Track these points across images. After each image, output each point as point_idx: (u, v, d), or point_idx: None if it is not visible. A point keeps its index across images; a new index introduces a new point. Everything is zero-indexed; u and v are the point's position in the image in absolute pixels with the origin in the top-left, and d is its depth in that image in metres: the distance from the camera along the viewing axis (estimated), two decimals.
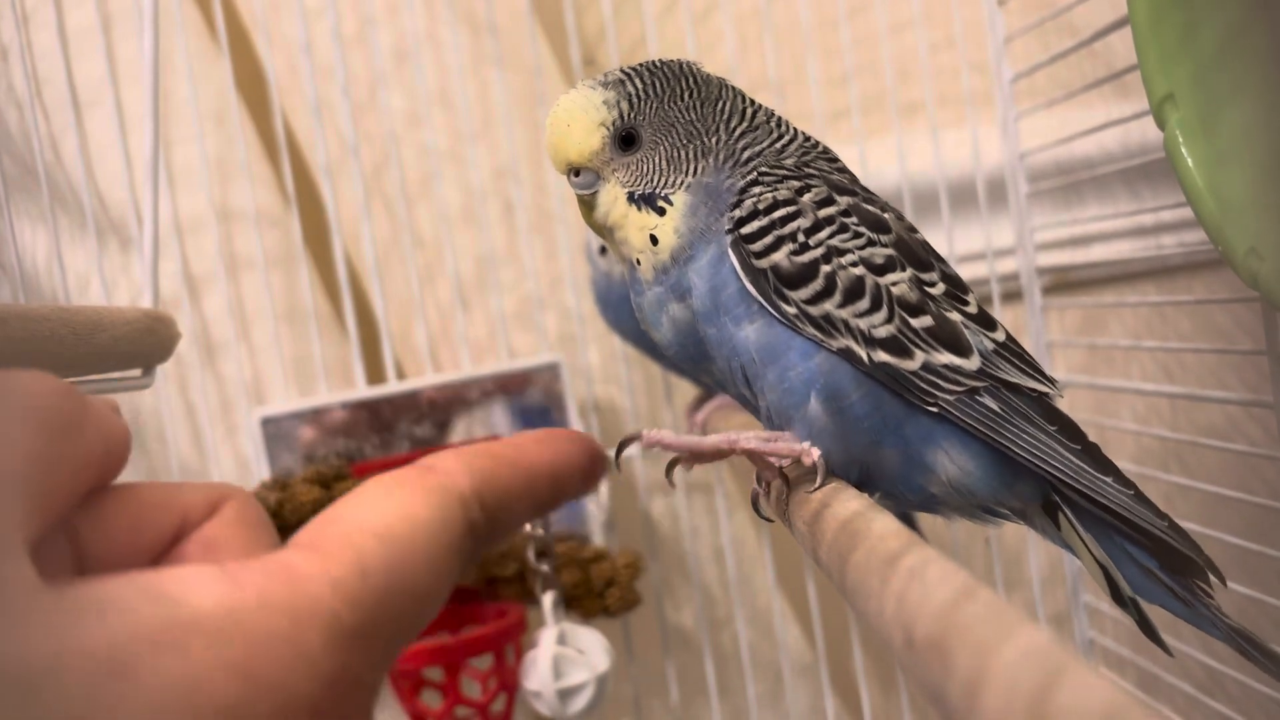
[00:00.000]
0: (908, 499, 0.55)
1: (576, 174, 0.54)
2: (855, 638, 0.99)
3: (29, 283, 0.93)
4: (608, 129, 0.53)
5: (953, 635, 0.34)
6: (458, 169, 1.02)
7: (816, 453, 0.51)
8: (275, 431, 0.93)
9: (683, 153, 0.54)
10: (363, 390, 0.96)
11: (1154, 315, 1.08)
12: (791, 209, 0.52)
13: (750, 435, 0.53)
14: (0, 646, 0.19)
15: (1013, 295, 1.01)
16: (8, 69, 0.93)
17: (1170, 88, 0.63)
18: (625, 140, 0.54)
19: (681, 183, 0.54)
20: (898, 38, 1.03)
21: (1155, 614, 0.59)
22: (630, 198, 0.54)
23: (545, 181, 1.01)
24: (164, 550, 0.27)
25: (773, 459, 0.53)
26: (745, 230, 0.52)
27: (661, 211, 0.53)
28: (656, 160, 0.54)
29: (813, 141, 0.57)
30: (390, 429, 0.95)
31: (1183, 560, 0.55)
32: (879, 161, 0.99)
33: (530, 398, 0.97)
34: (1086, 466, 0.52)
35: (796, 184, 0.53)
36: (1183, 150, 0.62)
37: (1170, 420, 1.05)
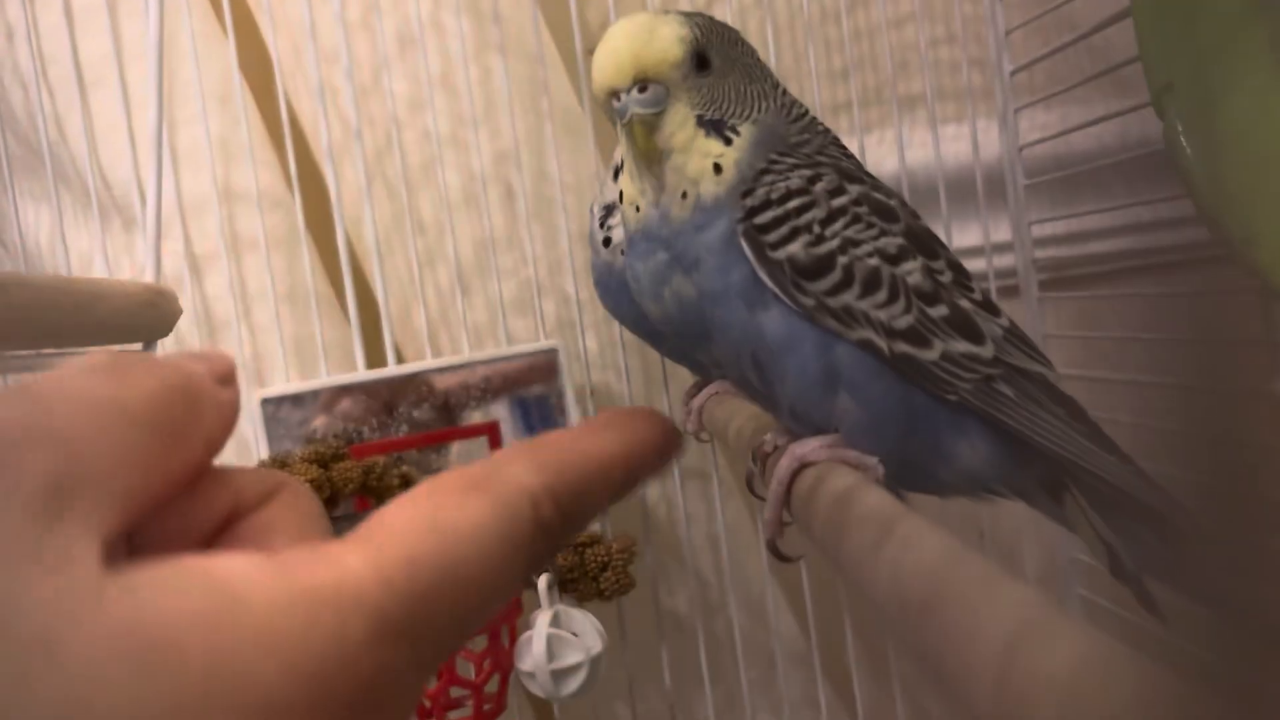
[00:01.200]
0: (913, 481, 0.55)
1: (642, 90, 0.51)
2: (848, 625, 0.99)
3: (31, 260, 0.94)
4: (687, 44, 0.51)
5: (944, 596, 0.34)
6: (459, 154, 1.03)
7: (881, 468, 0.51)
8: (274, 412, 0.94)
9: (748, 90, 0.53)
10: (362, 373, 0.96)
11: (1149, 309, 1.09)
12: (805, 199, 0.51)
13: (814, 447, 0.51)
14: (59, 629, 0.19)
15: (1009, 290, 1.01)
16: (13, 48, 0.94)
17: (1170, 77, 0.63)
18: (700, 61, 0.52)
19: (748, 116, 0.52)
20: (898, 31, 1.03)
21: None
22: (700, 120, 0.51)
23: (546, 168, 1.02)
24: (215, 531, 0.26)
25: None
26: (758, 220, 0.51)
27: (728, 141, 0.52)
28: (726, 89, 0.52)
29: (824, 127, 0.57)
30: (389, 412, 0.95)
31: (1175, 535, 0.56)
32: (878, 154, 1.00)
33: (528, 383, 0.97)
34: (1095, 447, 0.53)
35: (808, 172, 0.52)
36: (1182, 140, 0.63)
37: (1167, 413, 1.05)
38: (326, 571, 0.22)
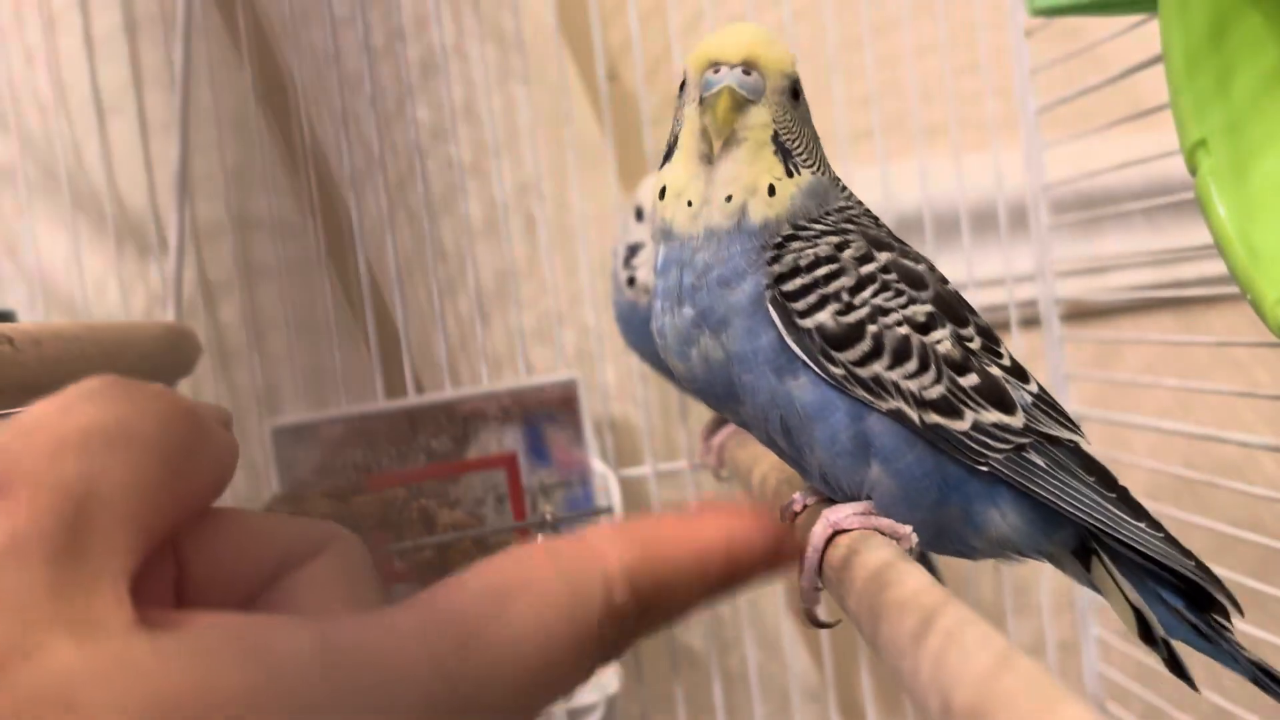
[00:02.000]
0: (944, 547, 0.55)
1: (747, 73, 0.50)
2: (863, 662, 0.99)
3: (47, 286, 0.93)
4: (794, 67, 0.52)
5: (993, 705, 0.34)
6: (481, 183, 1.02)
7: (915, 538, 0.50)
8: (287, 442, 0.93)
9: (814, 146, 0.53)
10: (381, 402, 0.96)
11: (1171, 347, 1.08)
12: (834, 266, 0.51)
13: (847, 514, 0.51)
14: (88, 693, 0.18)
15: (1030, 321, 1.01)
16: (33, 73, 0.93)
17: (1203, 133, 0.62)
18: (795, 91, 0.52)
19: (810, 165, 0.53)
20: (922, 60, 1.02)
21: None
22: (775, 136, 0.51)
23: (568, 199, 1.01)
24: (265, 582, 0.25)
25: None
26: (786, 288, 0.50)
27: (790, 173, 0.52)
28: (803, 130, 0.53)
29: (856, 200, 0.57)
30: (407, 442, 0.95)
31: (1206, 598, 0.56)
32: (900, 184, 0.99)
33: (547, 414, 0.97)
34: (1124, 515, 0.53)
35: (835, 239, 0.52)
36: (1214, 198, 0.62)
37: (1186, 452, 1.05)
38: (375, 644, 0.22)
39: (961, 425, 0.51)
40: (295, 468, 0.93)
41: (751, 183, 0.51)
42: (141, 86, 0.94)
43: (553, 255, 1.01)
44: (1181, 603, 0.56)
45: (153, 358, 0.66)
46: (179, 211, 0.82)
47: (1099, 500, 0.52)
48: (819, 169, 0.53)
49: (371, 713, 0.21)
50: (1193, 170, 0.63)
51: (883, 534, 0.50)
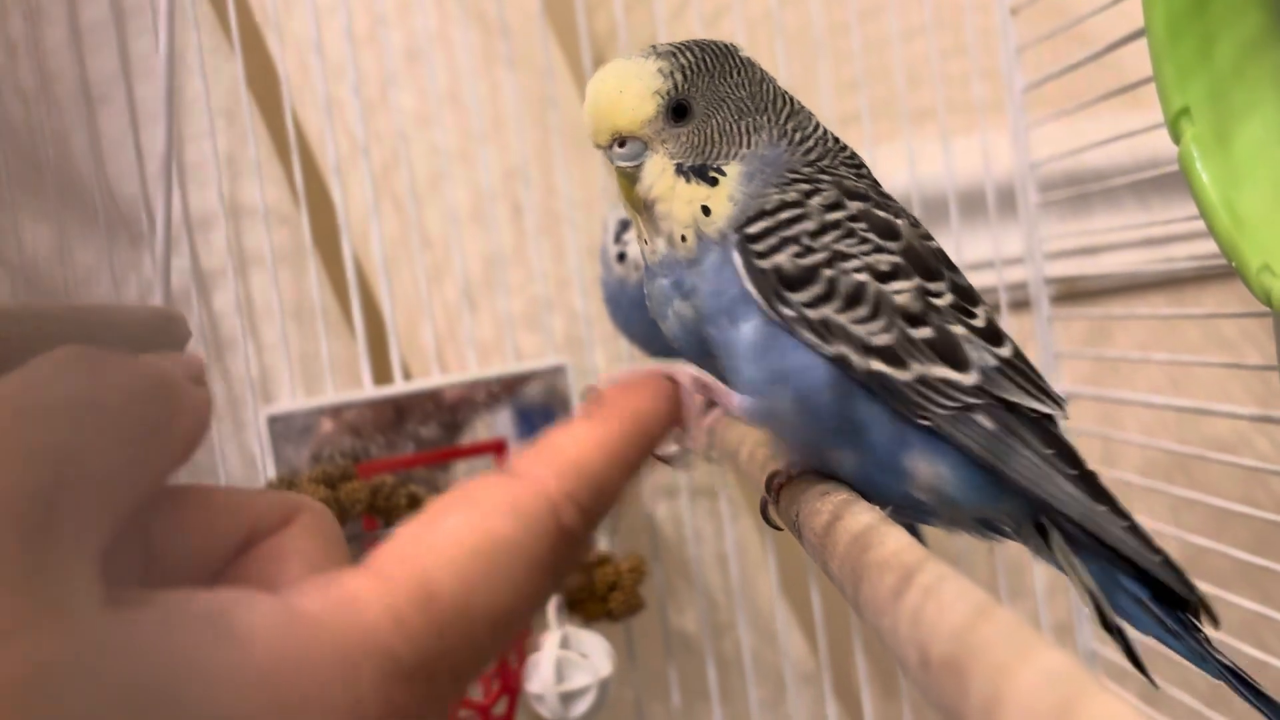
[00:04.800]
0: (896, 506, 0.54)
1: (621, 144, 0.52)
2: (858, 644, 0.99)
3: (34, 278, 0.93)
4: (662, 97, 0.51)
5: (969, 656, 0.33)
6: (467, 169, 1.02)
7: (741, 406, 0.50)
8: (282, 430, 0.93)
9: (735, 127, 0.53)
10: (369, 390, 0.96)
11: (1162, 325, 1.08)
12: (798, 211, 0.51)
13: (690, 375, 0.49)
14: (59, 676, 0.18)
15: (1020, 304, 1.01)
16: (15, 65, 0.93)
17: (1186, 102, 0.62)
18: (678, 111, 0.52)
19: (735, 154, 0.52)
20: (909, 44, 1.02)
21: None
22: (679, 169, 0.52)
23: (554, 184, 1.01)
24: (232, 555, 0.26)
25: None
26: (750, 230, 0.51)
27: (714, 182, 0.52)
28: (708, 133, 0.52)
29: (840, 144, 0.57)
30: (396, 429, 0.95)
31: (1175, 593, 0.54)
32: (889, 167, 0.99)
33: (536, 400, 0.97)
34: (1079, 494, 0.51)
35: (806, 186, 0.52)
36: (1198, 165, 0.62)
37: (1177, 432, 1.05)
38: (337, 611, 0.22)
39: (905, 376, 0.50)
40: (290, 455, 0.93)
41: (686, 219, 0.52)
42: (130, 76, 0.94)
43: (540, 241, 1.01)
44: (1146, 593, 0.54)
45: (139, 340, 0.65)
46: (165, 199, 0.82)
47: (1050, 473, 0.51)
48: (745, 143, 0.53)
49: (332, 680, 0.21)
50: (1176, 139, 0.63)
51: (715, 401, 0.49)
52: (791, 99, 0.56)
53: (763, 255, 0.51)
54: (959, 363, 0.51)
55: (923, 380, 0.50)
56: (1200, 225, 0.63)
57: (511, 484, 0.25)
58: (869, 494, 0.53)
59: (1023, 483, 0.51)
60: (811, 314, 0.50)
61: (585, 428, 0.28)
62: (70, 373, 0.22)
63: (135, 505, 0.22)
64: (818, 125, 0.56)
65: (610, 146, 0.52)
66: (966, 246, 0.99)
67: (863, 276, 0.51)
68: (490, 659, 0.24)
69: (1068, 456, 0.52)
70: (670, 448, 0.50)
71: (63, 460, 0.20)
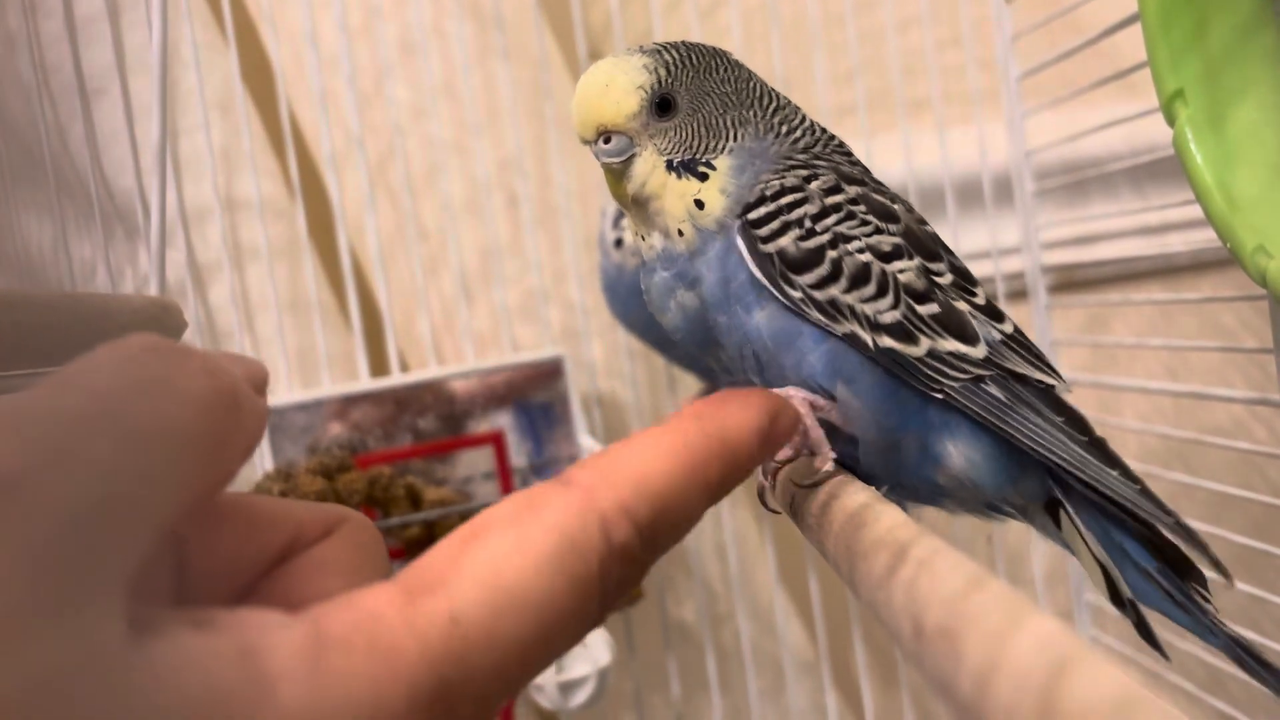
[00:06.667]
0: (916, 490, 0.54)
1: (607, 141, 0.52)
2: (857, 634, 0.99)
3: (33, 271, 0.93)
4: (646, 91, 0.51)
5: (963, 623, 0.33)
6: (463, 161, 1.02)
7: (833, 460, 0.50)
8: (279, 423, 0.93)
9: (721, 121, 0.53)
10: (366, 382, 0.96)
11: (1159, 314, 1.08)
12: (798, 195, 0.52)
13: (800, 397, 0.51)
14: (77, 709, 0.17)
15: (1018, 294, 1.01)
16: (14, 57, 0.93)
17: (1180, 84, 0.62)
18: (662, 105, 0.52)
19: (723, 147, 0.53)
20: (904, 34, 1.03)
21: (1154, 617, 0.58)
22: (669, 165, 0.52)
23: (550, 175, 1.01)
24: (270, 566, 0.25)
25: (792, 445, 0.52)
26: (752, 216, 0.51)
27: (704, 177, 0.52)
28: (695, 127, 0.52)
29: (829, 135, 0.57)
30: (394, 421, 0.95)
31: (1183, 564, 0.55)
32: (885, 158, 0.99)
33: (534, 391, 0.97)
34: (1092, 458, 0.52)
35: (804, 172, 0.52)
36: (1192, 147, 0.62)
37: (1174, 419, 1.05)
38: (366, 637, 0.21)
39: (916, 351, 0.51)
40: (287, 448, 0.93)
41: (680, 214, 0.52)
42: (125, 69, 0.94)
43: (536, 232, 1.01)
44: (1154, 565, 0.55)
45: (134, 329, 0.65)
46: (160, 192, 0.82)
47: (1063, 439, 0.52)
48: (732, 136, 0.53)
49: (360, 712, 0.20)
50: (1170, 121, 0.63)
51: (810, 449, 0.51)
52: (778, 95, 0.56)
53: (766, 240, 0.51)
54: (967, 336, 0.52)
55: (933, 354, 0.51)
56: (1196, 212, 0.63)
57: (560, 494, 0.24)
58: (899, 480, 0.53)
59: (1038, 448, 0.52)
60: (818, 295, 0.51)
61: (656, 436, 0.25)
62: (140, 370, 0.20)
63: (171, 526, 0.21)
64: (805, 118, 0.56)
65: (596, 142, 0.52)
66: (964, 237, 0.99)
67: (866, 257, 0.52)
68: (519, 687, 0.22)
69: (1077, 423, 0.53)
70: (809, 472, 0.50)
71: (116, 475, 0.19)
